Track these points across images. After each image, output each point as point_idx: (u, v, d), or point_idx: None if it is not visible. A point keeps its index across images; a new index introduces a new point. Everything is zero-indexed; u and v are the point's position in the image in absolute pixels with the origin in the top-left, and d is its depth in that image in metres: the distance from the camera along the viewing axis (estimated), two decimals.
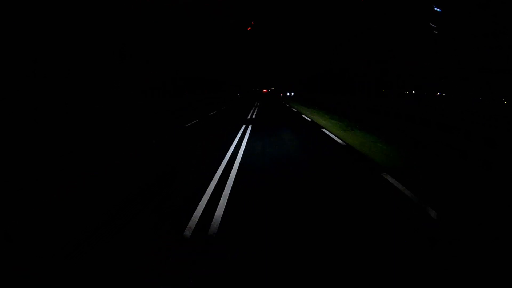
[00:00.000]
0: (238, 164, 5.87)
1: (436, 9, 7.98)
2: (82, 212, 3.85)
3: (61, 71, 12.08)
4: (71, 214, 3.81)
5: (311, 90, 38.71)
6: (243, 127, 11.07)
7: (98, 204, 4.14)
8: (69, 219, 3.65)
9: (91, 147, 8.49)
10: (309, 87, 41.01)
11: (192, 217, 3.54)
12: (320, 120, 13.81)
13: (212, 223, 3.39)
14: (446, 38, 7.97)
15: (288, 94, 57.73)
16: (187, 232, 3.18)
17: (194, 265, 2.62)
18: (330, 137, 8.96)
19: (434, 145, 7.70)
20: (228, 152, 7.07)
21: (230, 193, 4.31)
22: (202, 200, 4.04)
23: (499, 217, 3.54)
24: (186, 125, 11.83)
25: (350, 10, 15.72)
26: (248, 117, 15.52)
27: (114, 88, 16.03)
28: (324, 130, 10.28)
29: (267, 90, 76.39)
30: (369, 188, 4.58)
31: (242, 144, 7.87)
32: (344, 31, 17.63)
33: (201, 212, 3.70)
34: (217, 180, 4.91)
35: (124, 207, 3.96)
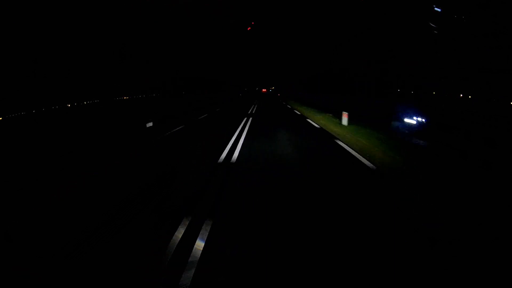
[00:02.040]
0: None
1: (436, 9, 7.98)
2: (82, 212, 3.85)
3: (61, 71, 12.09)
4: (71, 214, 3.81)
5: (311, 90, 38.64)
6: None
7: (98, 204, 4.14)
8: (69, 219, 3.65)
9: (91, 147, 8.49)
10: (309, 87, 40.90)
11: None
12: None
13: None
14: (446, 38, 7.96)
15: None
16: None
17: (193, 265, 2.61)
18: None
19: (434, 145, 7.70)
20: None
21: None
22: None
23: (499, 217, 3.54)
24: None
25: (350, 10, 15.72)
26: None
27: (114, 88, 16.05)
28: None
29: (267, 90, 76.34)
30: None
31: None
32: (344, 31, 17.62)
33: None
34: None
35: (124, 207, 3.96)
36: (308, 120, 13.12)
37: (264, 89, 76.82)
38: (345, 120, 11.09)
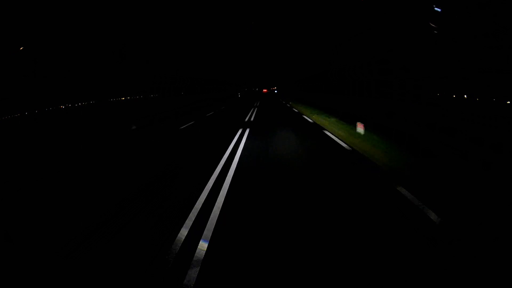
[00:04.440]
0: None
1: (436, 9, 7.97)
2: (82, 212, 3.85)
3: (61, 71, 12.08)
4: (71, 214, 3.81)
5: (310, 89, 38.58)
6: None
7: (98, 204, 4.14)
8: (69, 219, 3.65)
9: (91, 148, 8.50)
10: (309, 87, 40.85)
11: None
12: None
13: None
14: (446, 39, 7.96)
15: None
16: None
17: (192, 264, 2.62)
18: None
19: (434, 145, 7.69)
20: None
21: None
22: None
23: (499, 217, 3.54)
24: None
25: (350, 10, 15.70)
26: None
27: (113, 88, 16.02)
28: None
29: (267, 90, 76.20)
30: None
31: None
32: (344, 31, 17.61)
33: None
34: None
35: (123, 207, 3.96)
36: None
37: (265, 89, 76.55)
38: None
